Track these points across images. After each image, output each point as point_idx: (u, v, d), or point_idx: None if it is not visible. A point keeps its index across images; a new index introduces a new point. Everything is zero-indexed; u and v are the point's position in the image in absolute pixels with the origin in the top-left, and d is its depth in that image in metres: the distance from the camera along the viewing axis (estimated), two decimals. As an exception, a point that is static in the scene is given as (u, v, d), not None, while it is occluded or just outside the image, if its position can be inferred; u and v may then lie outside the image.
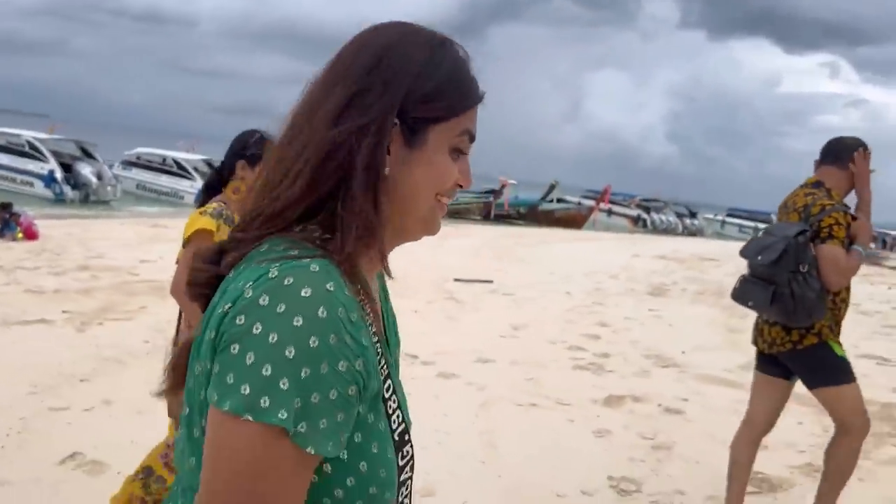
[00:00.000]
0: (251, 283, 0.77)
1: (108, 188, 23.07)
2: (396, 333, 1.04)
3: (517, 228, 26.51)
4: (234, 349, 0.74)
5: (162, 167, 27.22)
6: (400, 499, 0.90)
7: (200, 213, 2.65)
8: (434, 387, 5.21)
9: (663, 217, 37.89)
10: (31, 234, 12.01)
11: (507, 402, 5.04)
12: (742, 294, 3.12)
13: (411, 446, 0.93)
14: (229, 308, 0.77)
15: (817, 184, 3.11)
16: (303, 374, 0.73)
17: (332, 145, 0.83)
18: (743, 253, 3.17)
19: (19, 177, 22.17)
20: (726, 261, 15.71)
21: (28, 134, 23.40)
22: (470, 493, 3.64)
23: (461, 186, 0.91)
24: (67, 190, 21.91)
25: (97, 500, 3.00)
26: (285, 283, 0.75)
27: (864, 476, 3.99)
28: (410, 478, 0.94)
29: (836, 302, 3.06)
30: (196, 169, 26.76)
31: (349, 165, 0.83)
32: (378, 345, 0.85)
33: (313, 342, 0.73)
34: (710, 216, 43.26)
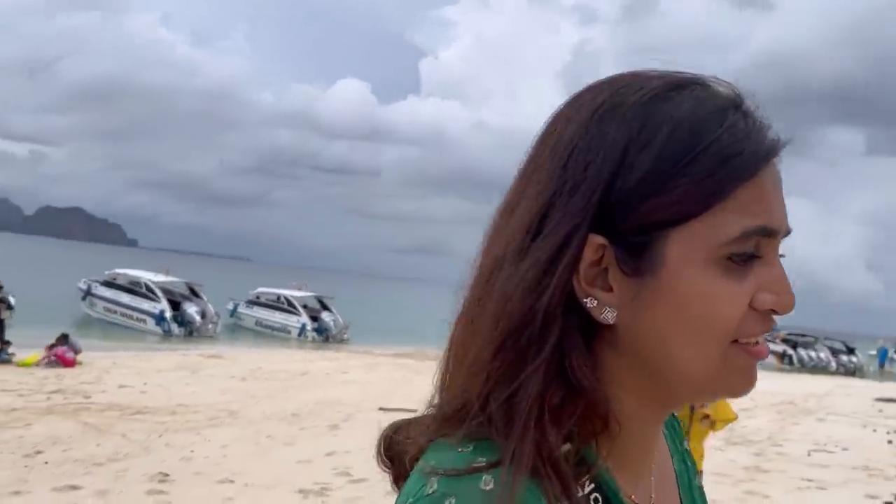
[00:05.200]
0: (411, 498, 0.55)
1: (210, 325, 24.93)
2: None
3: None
4: None
5: (276, 304, 28.88)
6: None
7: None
8: None
9: (812, 353, 34.38)
10: (66, 362, 12.80)
11: None
12: None
13: None
14: None
15: None
16: None
17: (519, 301, 0.55)
18: None
19: (135, 314, 24.63)
20: (757, 412, 12.18)
21: (146, 276, 26.01)
22: None
23: (776, 312, 0.56)
24: (174, 327, 23.93)
25: None
26: None
27: None
28: None
29: None
30: (305, 305, 28.32)
31: (541, 322, 0.54)
32: None
33: None
34: (874, 352, 38.37)
